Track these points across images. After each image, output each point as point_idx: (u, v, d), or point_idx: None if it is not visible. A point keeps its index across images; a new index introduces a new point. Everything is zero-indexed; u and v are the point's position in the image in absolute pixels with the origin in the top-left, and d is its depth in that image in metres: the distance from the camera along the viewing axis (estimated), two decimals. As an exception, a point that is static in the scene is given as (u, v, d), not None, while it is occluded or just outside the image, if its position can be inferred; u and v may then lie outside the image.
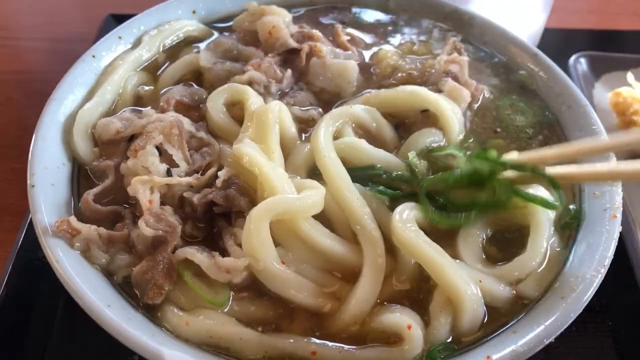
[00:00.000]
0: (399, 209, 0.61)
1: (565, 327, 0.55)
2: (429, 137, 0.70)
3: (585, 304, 0.56)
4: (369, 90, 0.77)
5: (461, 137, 0.72)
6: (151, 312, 0.56)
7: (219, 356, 0.53)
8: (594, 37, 1.27)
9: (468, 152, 0.68)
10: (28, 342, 0.70)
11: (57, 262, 0.55)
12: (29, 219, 0.71)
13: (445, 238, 0.63)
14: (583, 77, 1.12)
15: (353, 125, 0.71)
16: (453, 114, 0.71)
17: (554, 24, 1.31)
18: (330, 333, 0.56)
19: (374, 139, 0.71)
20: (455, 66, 0.75)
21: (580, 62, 1.14)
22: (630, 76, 1.07)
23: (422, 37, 0.84)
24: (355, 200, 0.61)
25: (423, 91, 0.71)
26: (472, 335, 0.57)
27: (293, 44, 0.79)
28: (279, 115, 0.67)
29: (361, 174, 0.66)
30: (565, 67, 1.11)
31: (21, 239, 0.73)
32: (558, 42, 1.22)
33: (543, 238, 0.62)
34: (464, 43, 0.83)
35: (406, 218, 0.60)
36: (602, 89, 1.12)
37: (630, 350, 0.76)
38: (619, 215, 0.62)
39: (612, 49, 1.19)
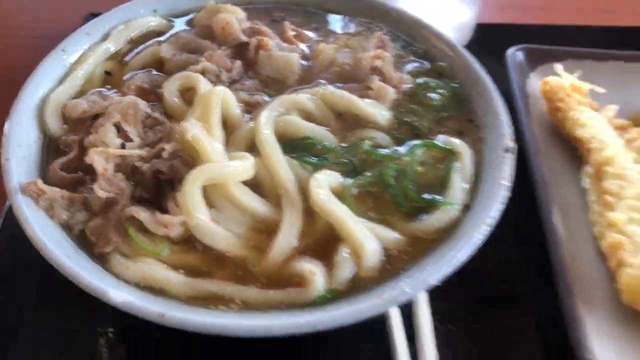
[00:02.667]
0: (316, 175, 0.69)
1: (446, 274, 0.62)
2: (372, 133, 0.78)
3: (466, 257, 0.63)
4: (317, 82, 0.84)
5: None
6: (102, 261, 0.64)
7: (156, 295, 0.61)
8: (533, 31, 1.33)
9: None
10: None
11: (23, 218, 0.63)
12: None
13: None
14: (519, 68, 1.19)
15: (298, 110, 0.78)
16: (380, 116, 0.78)
17: (498, 19, 1.38)
18: (250, 278, 0.64)
19: (320, 124, 0.78)
20: (380, 61, 0.82)
21: (517, 55, 1.20)
22: (558, 67, 1.14)
23: (356, 32, 0.91)
24: (282, 168, 0.69)
25: (353, 98, 0.78)
26: (371, 280, 0.64)
27: (243, 38, 0.86)
28: (222, 98, 0.75)
29: (299, 144, 0.74)
30: (503, 59, 1.19)
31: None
32: (500, 36, 1.28)
33: (457, 196, 0.70)
34: (390, 35, 0.90)
35: (321, 183, 0.68)
36: (536, 78, 1.18)
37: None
38: (505, 182, 0.69)
39: (549, 42, 1.25)
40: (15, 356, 0.74)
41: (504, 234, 0.90)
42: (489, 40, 1.26)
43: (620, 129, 1.03)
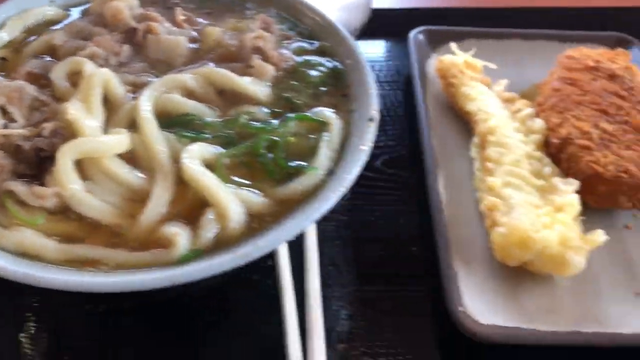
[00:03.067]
0: (188, 147, 0.73)
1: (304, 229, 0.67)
2: (251, 108, 0.82)
3: (321, 214, 0.68)
4: (203, 62, 0.89)
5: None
6: (-18, 232, 0.68)
7: (28, 261, 0.65)
8: (435, 14, 1.39)
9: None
10: None
11: None
12: None
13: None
14: (420, 49, 1.25)
15: (180, 88, 0.83)
16: (259, 92, 0.82)
17: (403, 3, 1.44)
18: (122, 243, 0.68)
19: (203, 101, 0.83)
20: (261, 41, 0.87)
21: (418, 37, 1.26)
22: (453, 45, 1.20)
23: (245, 15, 0.96)
24: (155, 142, 0.74)
25: (231, 75, 0.83)
26: (235, 238, 0.68)
27: (133, 24, 0.90)
28: (104, 79, 0.79)
29: (179, 120, 0.79)
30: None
31: None
32: (407, 19, 1.34)
33: (323, 163, 0.75)
34: (278, 17, 0.95)
35: (191, 154, 0.72)
36: (437, 58, 1.24)
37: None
38: (366, 147, 0.74)
39: (449, 23, 1.31)
40: None
41: (399, 201, 0.97)
42: (396, 23, 1.32)
43: (508, 101, 1.10)
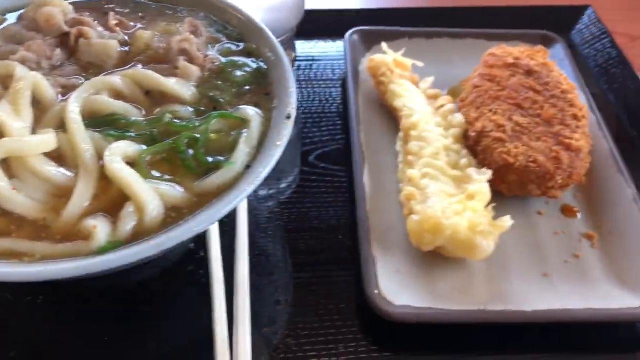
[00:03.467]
0: (111, 145, 0.77)
1: (215, 220, 0.72)
2: (175, 107, 0.86)
3: (233, 206, 0.72)
4: (133, 65, 0.93)
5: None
6: None
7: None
8: (374, 15, 1.44)
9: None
10: None
11: None
12: None
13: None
14: (355, 49, 1.30)
15: (109, 90, 0.87)
16: (184, 92, 0.87)
17: (344, 5, 1.49)
18: (46, 236, 0.72)
19: (131, 101, 0.87)
20: (187, 44, 0.92)
21: (353, 37, 1.32)
22: (384, 45, 1.25)
23: (176, 18, 1.00)
24: (80, 141, 0.77)
25: (156, 76, 0.87)
26: (154, 230, 0.73)
27: (65, 28, 0.94)
28: (34, 82, 0.83)
29: (105, 120, 0.83)
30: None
31: None
32: (343, 20, 1.39)
33: (240, 158, 0.79)
34: (208, 20, 0.99)
35: (113, 152, 0.76)
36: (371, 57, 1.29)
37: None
38: (281, 143, 0.79)
39: (385, 24, 1.37)
40: None
41: (330, 193, 1.02)
42: (334, 24, 1.37)
43: (433, 97, 1.15)
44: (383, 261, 0.94)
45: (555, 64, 1.20)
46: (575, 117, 1.07)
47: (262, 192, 1.07)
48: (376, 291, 0.88)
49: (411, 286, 0.92)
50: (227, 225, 1.00)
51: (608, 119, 1.20)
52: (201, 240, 0.97)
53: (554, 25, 1.44)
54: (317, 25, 1.36)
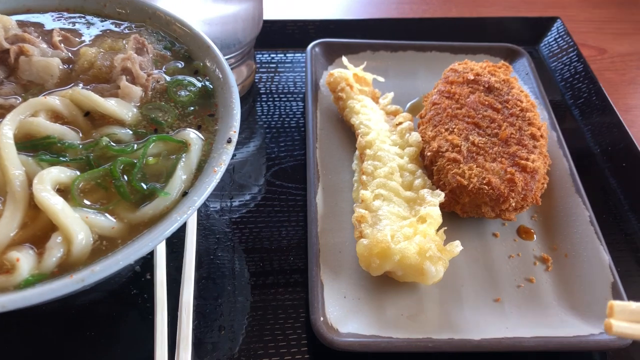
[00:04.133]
0: (41, 172, 0.74)
1: (143, 253, 0.69)
2: (114, 129, 0.83)
3: (163, 238, 0.70)
4: (75, 83, 0.89)
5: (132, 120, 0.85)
6: None
7: None
8: (339, 26, 1.41)
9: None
10: None
11: None
12: None
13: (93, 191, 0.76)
14: (317, 62, 1.27)
15: (46, 110, 0.83)
16: (124, 113, 0.83)
17: (309, 15, 1.46)
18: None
19: (69, 123, 0.84)
20: (129, 62, 0.88)
21: (315, 49, 1.29)
22: (344, 59, 1.22)
23: (124, 34, 0.97)
24: (10, 166, 0.74)
25: (94, 97, 0.83)
26: (82, 262, 0.70)
27: (5, 45, 0.90)
28: (-35, 104, 0.79)
29: (40, 143, 0.79)
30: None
31: None
32: (309, 32, 1.36)
33: (176, 185, 0.77)
34: (157, 36, 0.96)
35: (43, 179, 0.73)
36: (332, 71, 1.26)
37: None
38: (219, 170, 0.76)
39: (351, 36, 1.34)
40: None
41: (283, 212, 1.00)
42: (299, 34, 1.34)
43: (392, 114, 1.13)
44: (331, 285, 0.91)
45: (517, 79, 1.18)
46: (533, 136, 1.05)
47: (214, 210, 1.04)
48: (321, 318, 0.86)
49: (359, 312, 0.89)
50: (176, 246, 0.97)
51: (570, 137, 1.17)
52: (148, 262, 0.94)
53: (523, 36, 1.41)
54: (280, 36, 1.33)
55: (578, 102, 1.27)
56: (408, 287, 0.93)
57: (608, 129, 1.19)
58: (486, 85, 1.11)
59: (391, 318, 0.89)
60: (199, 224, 1.00)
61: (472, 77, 1.13)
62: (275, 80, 1.30)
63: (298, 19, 1.41)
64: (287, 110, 1.24)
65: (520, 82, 1.18)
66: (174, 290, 0.90)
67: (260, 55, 1.32)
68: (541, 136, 1.05)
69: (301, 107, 1.26)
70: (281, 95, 1.27)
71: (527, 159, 1.00)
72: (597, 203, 1.03)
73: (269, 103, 1.25)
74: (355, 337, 0.84)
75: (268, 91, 1.28)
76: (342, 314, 0.87)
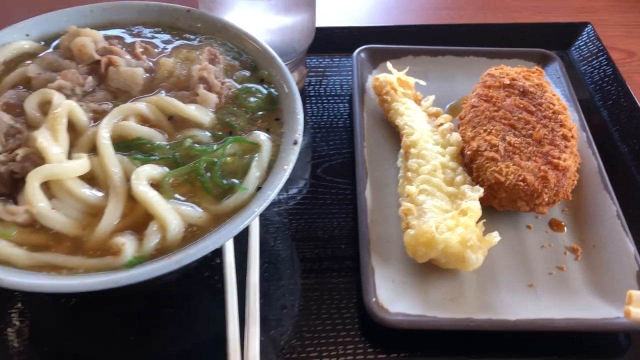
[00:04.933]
0: (137, 169, 0.86)
1: (228, 238, 0.80)
2: (195, 132, 0.95)
3: (243, 226, 0.81)
4: (157, 91, 1.01)
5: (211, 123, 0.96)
6: (-38, 242, 0.81)
7: (4, 266, 0.78)
8: (382, 32, 1.51)
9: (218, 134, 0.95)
10: None
11: None
12: None
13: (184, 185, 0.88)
14: (363, 67, 1.37)
15: (135, 115, 0.95)
16: (203, 117, 0.95)
17: (354, 22, 1.56)
18: (80, 250, 0.82)
19: (155, 126, 0.96)
20: (206, 72, 1.00)
21: (361, 55, 1.39)
22: (389, 64, 1.32)
23: (197, 45, 1.08)
24: (110, 164, 0.86)
25: (178, 103, 0.95)
26: (176, 246, 0.82)
27: (96, 56, 1.02)
28: (69, 110, 0.92)
29: (132, 144, 0.91)
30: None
31: None
32: (354, 39, 1.46)
33: (252, 181, 0.88)
34: (226, 47, 1.07)
35: (139, 175, 0.85)
36: (378, 74, 1.36)
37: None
38: (288, 168, 0.87)
39: (393, 42, 1.43)
40: None
41: (334, 205, 1.10)
42: (345, 41, 1.44)
43: (434, 115, 1.22)
44: (381, 271, 1.01)
45: (549, 84, 1.26)
46: (564, 137, 1.13)
47: (272, 203, 1.15)
48: (373, 299, 0.96)
49: (406, 294, 0.99)
50: (241, 234, 1.08)
51: (599, 136, 1.26)
52: (217, 248, 1.06)
53: (555, 41, 1.49)
54: (327, 42, 1.43)
55: (607, 104, 1.35)
56: (450, 273, 1.03)
57: (635, 129, 1.27)
58: (521, 90, 1.20)
59: (435, 300, 0.99)
60: (260, 215, 1.11)
61: (507, 82, 1.22)
62: (323, 83, 1.41)
63: (344, 26, 1.51)
64: (335, 112, 1.35)
65: (552, 86, 1.26)
66: (241, 274, 1.01)
67: (309, 60, 1.42)
68: (572, 137, 1.14)
69: (347, 108, 1.36)
70: (329, 98, 1.38)
71: (559, 158, 1.08)
72: (624, 198, 1.10)
73: (318, 105, 1.36)
74: (403, 316, 0.95)
75: (317, 94, 1.38)
76: (391, 296, 0.98)
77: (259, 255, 1.05)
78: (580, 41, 1.50)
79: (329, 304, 1.02)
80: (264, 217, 1.12)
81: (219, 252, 1.06)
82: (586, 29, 1.50)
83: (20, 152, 0.87)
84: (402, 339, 0.97)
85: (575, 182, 1.11)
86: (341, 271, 1.06)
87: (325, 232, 1.12)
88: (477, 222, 1.02)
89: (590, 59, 1.46)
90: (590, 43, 1.48)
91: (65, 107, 0.91)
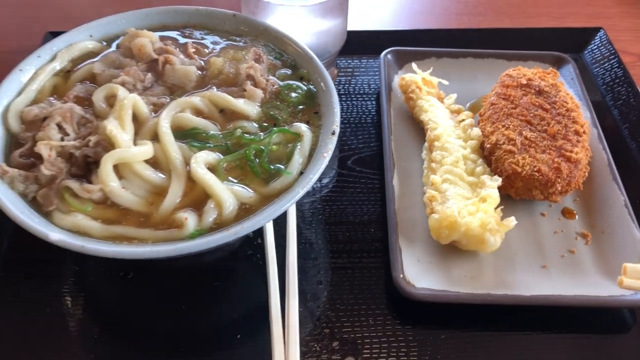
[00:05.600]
0: (196, 154, 0.98)
1: (276, 215, 0.91)
2: (244, 123, 1.06)
3: (290, 204, 0.92)
4: (209, 87, 1.13)
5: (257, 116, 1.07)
6: (47, 216, 0.93)
7: (81, 237, 0.90)
8: (407, 35, 1.61)
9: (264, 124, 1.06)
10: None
11: (-8, 189, 0.91)
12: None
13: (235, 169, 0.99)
14: (390, 67, 1.48)
15: (191, 108, 1.07)
16: (251, 110, 1.06)
17: (381, 26, 1.67)
18: (147, 224, 0.93)
19: (208, 118, 1.07)
20: (252, 70, 1.11)
21: (387, 56, 1.49)
22: (414, 65, 1.43)
23: (242, 46, 1.20)
24: (172, 150, 0.97)
25: (229, 97, 1.06)
26: (230, 221, 0.93)
27: (154, 56, 1.14)
28: (133, 102, 1.03)
29: (189, 133, 1.02)
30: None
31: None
32: (381, 41, 1.56)
33: (295, 167, 0.99)
34: (268, 48, 1.19)
35: (198, 160, 0.96)
36: (403, 74, 1.47)
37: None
38: (327, 155, 0.98)
39: (417, 44, 1.54)
40: None
41: (363, 193, 1.21)
42: (372, 43, 1.55)
43: (455, 112, 1.33)
44: (407, 251, 1.12)
45: (563, 84, 1.36)
46: (577, 132, 1.23)
47: (307, 191, 1.26)
48: (401, 275, 1.07)
49: (430, 272, 1.10)
50: (279, 218, 1.19)
51: (609, 133, 1.35)
52: (257, 230, 1.17)
53: (569, 45, 1.59)
54: (356, 44, 1.53)
55: (617, 104, 1.45)
56: (470, 254, 1.13)
57: (644, 127, 1.36)
58: (537, 89, 1.30)
59: (456, 278, 1.09)
60: (297, 202, 1.22)
61: (524, 82, 1.32)
62: (352, 82, 1.51)
63: (371, 30, 1.62)
64: (363, 109, 1.46)
65: (566, 86, 1.36)
66: (280, 253, 1.12)
67: (339, 61, 1.53)
68: (584, 132, 1.23)
69: (374, 106, 1.46)
70: (357, 96, 1.48)
71: (571, 151, 1.18)
72: (631, 189, 1.20)
73: (347, 102, 1.47)
74: (427, 290, 1.05)
75: (346, 92, 1.49)
76: (417, 274, 1.08)
77: (296, 236, 1.16)
78: (593, 45, 1.59)
79: (359, 280, 1.12)
80: (299, 204, 1.23)
81: (260, 233, 1.17)
82: (599, 34, 1.60)
83: (92, 139, 0.98)
84: (425, 312, 1.07)
85: (587, 173, 1.21)
86: (370, 252, 1.17)
87: (355, 217, 1.22)
88: (496, 208, 1.12)
89: (602, 61, 1.55)
90: (602, 47, 1.57)
91: (130, 99, 1.02)
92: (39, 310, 1.05)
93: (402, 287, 1.04)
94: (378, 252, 1.16)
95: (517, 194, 1.19)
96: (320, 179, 1.29)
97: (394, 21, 1.76)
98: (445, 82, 1.39)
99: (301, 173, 0.98)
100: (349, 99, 1.47)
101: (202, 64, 1.16)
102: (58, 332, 1.04)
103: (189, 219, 0.90)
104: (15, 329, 1.04)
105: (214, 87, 1.11)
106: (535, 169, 1.15)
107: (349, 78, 1.52)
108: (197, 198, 0.96)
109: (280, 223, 1.17)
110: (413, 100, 1.35)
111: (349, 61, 1.56)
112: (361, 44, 1.55)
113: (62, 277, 1.11)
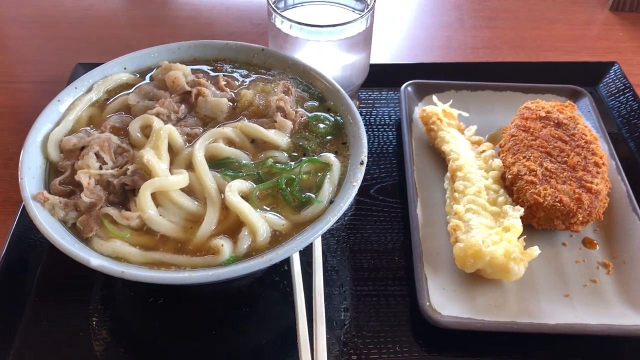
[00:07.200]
0: (230, 183, 1.01)
1: (309, 242, 0.94)
2: (274, 153, 1.10)
3: (322, 232, 0.95)
4: (240, 118, 1.17)
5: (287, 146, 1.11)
6: (87, 243, 0.96)
7: (120, 263, 0.93)
8: (425, 68, 1.66)
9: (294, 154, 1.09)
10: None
11: (34, 216, 0.94)
12: (22, 205, 1.14)
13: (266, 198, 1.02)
14: (410, 99, 1.52)
15: (223, 138, 1.11)
16: (281, 141, 1.10)
17: (400, 59, 1.71)
18: (184, 250, 0.96)
19: (240, 148, 1.11)
20: (282, 102, 1.15)
21: (408, 89, 1.54)
22: (434, 97, 1.47)
23: (271, 79, 1.24)
24: (207, 179, 1.01)
25: (260, 128, 1.10)
26: (264, 249, 0.96)
27: (187, 88, 1.19)
28: (169, 132, 1.07)
29: (222, 162, 1.06)
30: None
31: (17, 219, 1.17)
32: (400, 74, 1.61)
33: (325, 195, 1.02)
34: (296, 81, 1.23)
35: (232, 188, 1.00)
36: (422, 106, 1.51)
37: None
38: (357, 184, 1.01)
39: (435, 77, 1.58)
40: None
41: (387, 221, 1.24)
42: (392, 76, 1.59)
43: (476, 143, 1.36)
44: (432, 279, 1.14)
45: (581, 116, 1.39)
46: (596, 164, 1.26)
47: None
48: (427, 303, 1.09)
49: (455, 300, 1.12)
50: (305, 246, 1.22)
51: (627, 165, 1.38)
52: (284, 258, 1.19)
53: (584, 78, 1.63)
54: (377, 76, 1.58)
55: (634, 135, 1.48)
56: (493, 283, 1.15)
57: (660, 159, 1.39)
58: (556, 121, 1.33)
59: (481, 306, 1.11)
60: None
61: (543, 114, 1.35)
62: (373, 114, 1.55)
63: (391, 63, 1.67)
64: (385, 139, 1.49)
65: (583, 118, 1.39)
66: (306, 279, 1.14)
67: (360, 93, 1.58)
68: (603, 164, 1.26)
69: (395, 136, 1.50)
70: (379, 127, 1.52)
71: (591, 182, 1.21)
72: (651, 220, 1.22)
73: (369, 133, 1.50)
74: (453, 318, 1.07)
75: (368, 123, 1.53)
76: (442, 302, 1.10)
77: (322, 264, 1.18)
78: (607, 78, 1.63)
79: (385, 308, 1.14)
80: (325, 232, 1.25)
81: (286, 260, 1.20)
82: (613, 68, 1.64)
83: (130, 168, 1.02)
84: (450, 340, 1.09)
85: (606, 204, 1.23)
86: (395, 280, 1.19)
87: (379, 245, 1.25)
88: (518, 238, 1.14)
89: (617, 94, 1.59)
90: (617, 80, 1.61)
91: (166, 130, 1.07)
92: (72, 334, 1.08)
93: (428, 315, 1.06)
94: (402, 280, 1.18)
95: (538, 224, 1.21)
96: (344, 208, 1.31)
97: (410, 55, 1.81)
98: (466, 114, 1.43)
99: (331, 202, 1.01)
100: (370, 129, 1.51)
101: (233, 95, 1.21)
102: (91, 356, 1.05)
103: (225, 246, 0.93)
104: (50, 352, 1.06)
105: (245, 118, 1.15)
106: (557, 200, 1.17)
107: (370, 109, 1.56)
108: (231, 225, 0.99)
109: (306, 251, 1.19)
110: (434, 131, 1.39)
111: (369, 93, 1.60)
112: (381, 77, 1.59)
113: (94, 302, 1.13)
